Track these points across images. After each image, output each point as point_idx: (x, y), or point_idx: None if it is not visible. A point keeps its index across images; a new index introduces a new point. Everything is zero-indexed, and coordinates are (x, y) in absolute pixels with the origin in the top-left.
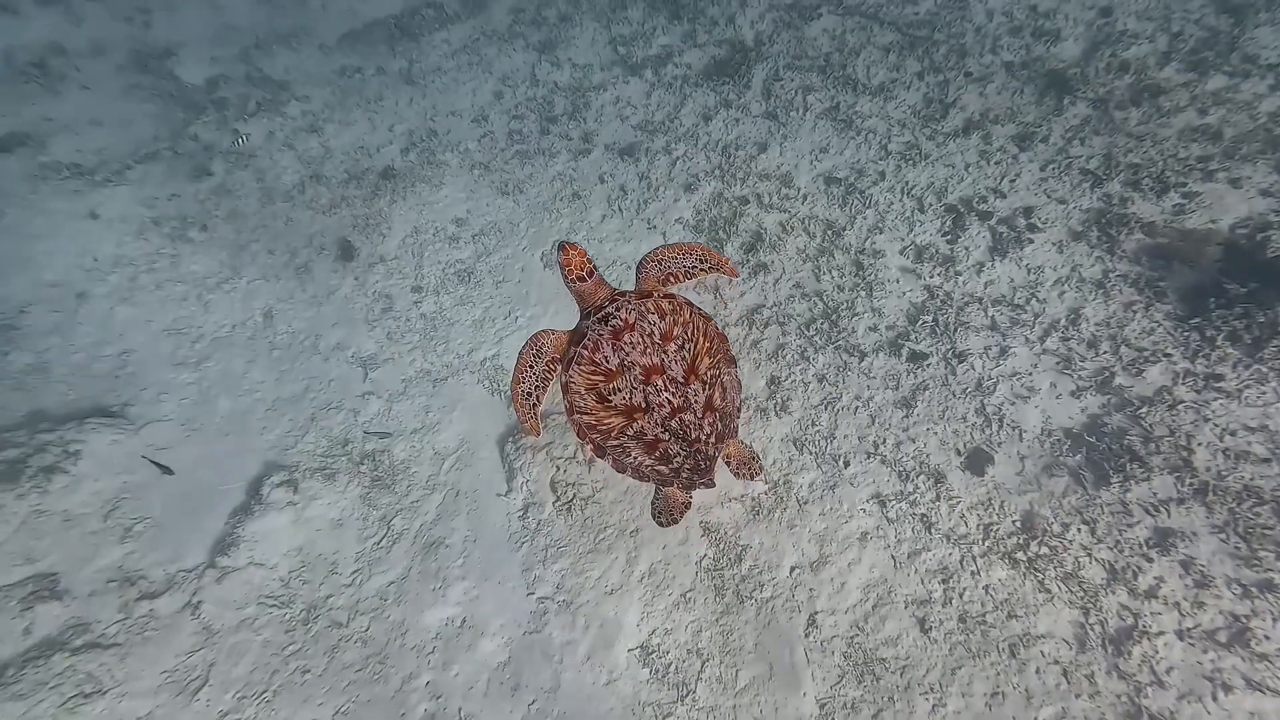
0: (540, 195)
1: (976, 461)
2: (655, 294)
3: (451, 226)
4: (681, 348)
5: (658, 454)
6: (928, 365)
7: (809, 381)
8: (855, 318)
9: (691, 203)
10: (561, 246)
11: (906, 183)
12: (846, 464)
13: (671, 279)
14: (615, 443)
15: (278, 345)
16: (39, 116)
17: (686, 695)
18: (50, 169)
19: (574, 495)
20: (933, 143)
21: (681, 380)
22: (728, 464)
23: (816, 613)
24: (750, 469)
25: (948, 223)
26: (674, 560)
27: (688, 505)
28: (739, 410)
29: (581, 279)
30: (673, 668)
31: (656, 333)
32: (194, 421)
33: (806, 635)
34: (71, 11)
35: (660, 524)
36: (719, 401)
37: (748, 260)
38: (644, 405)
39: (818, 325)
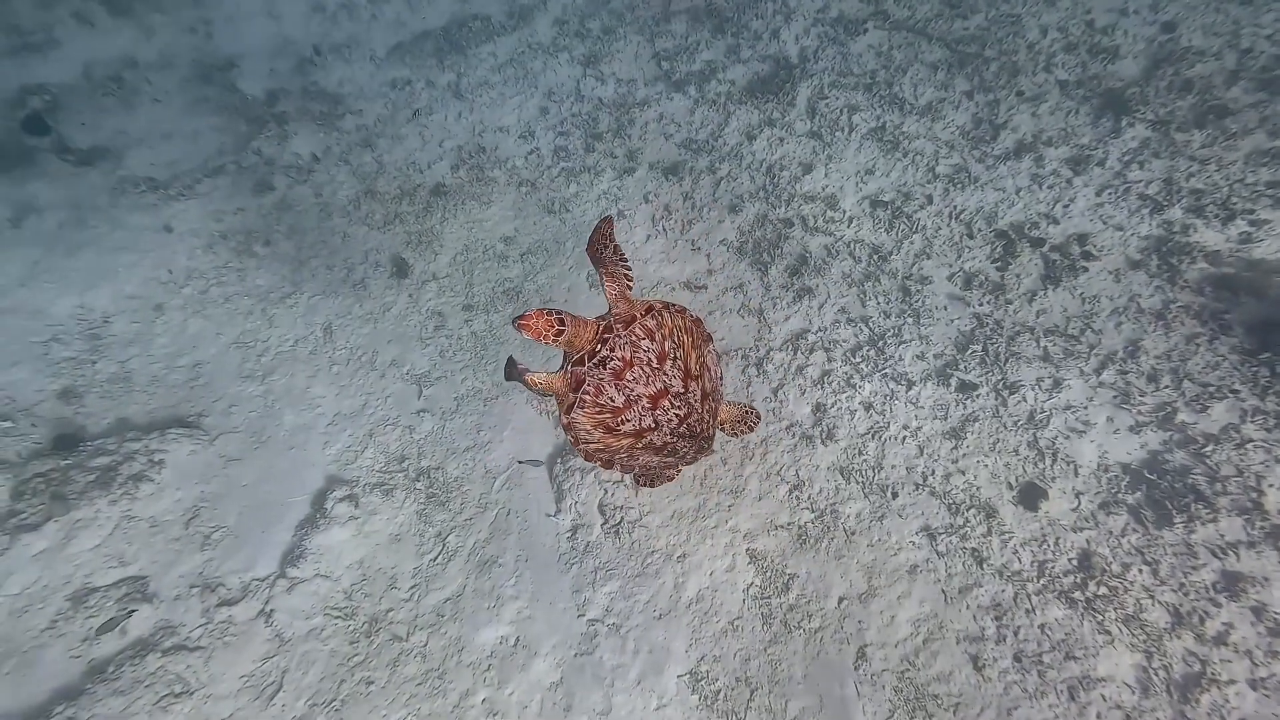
0: (585, 214)
1: (1029, 496)
2: (636, 313)
3: (500, 245)
4: (675, 360)
5: (666, 452)
6: (978, 396)
7: (855, 409)
8: (902, 345)
9: (735, 224)
10: (515, 325)
11: (955, 207)
12: (895, 495)
13: (625, 279)
14: (624, 456)
15: (336, 361)
16: (116, 130)
17: None
18: (128, 182)
19: (621, 519)
20: (982, 165)
21: (682, 390)
22: (723, 429)
23: (866, 645)
24: (746, 424)
25: (998, 249)
26: (721, 587)
27: (680, 470)
28: (721, 377)
29: (559, 334)
30: (721, 695)
31: (653, 358)
32: (262, 434)
33: (856, 668)
34: (142, 23)
35: (650, 486)
36: (709, 385)
37: (792, 284)
38: (653, 425)
39: (864, 352)
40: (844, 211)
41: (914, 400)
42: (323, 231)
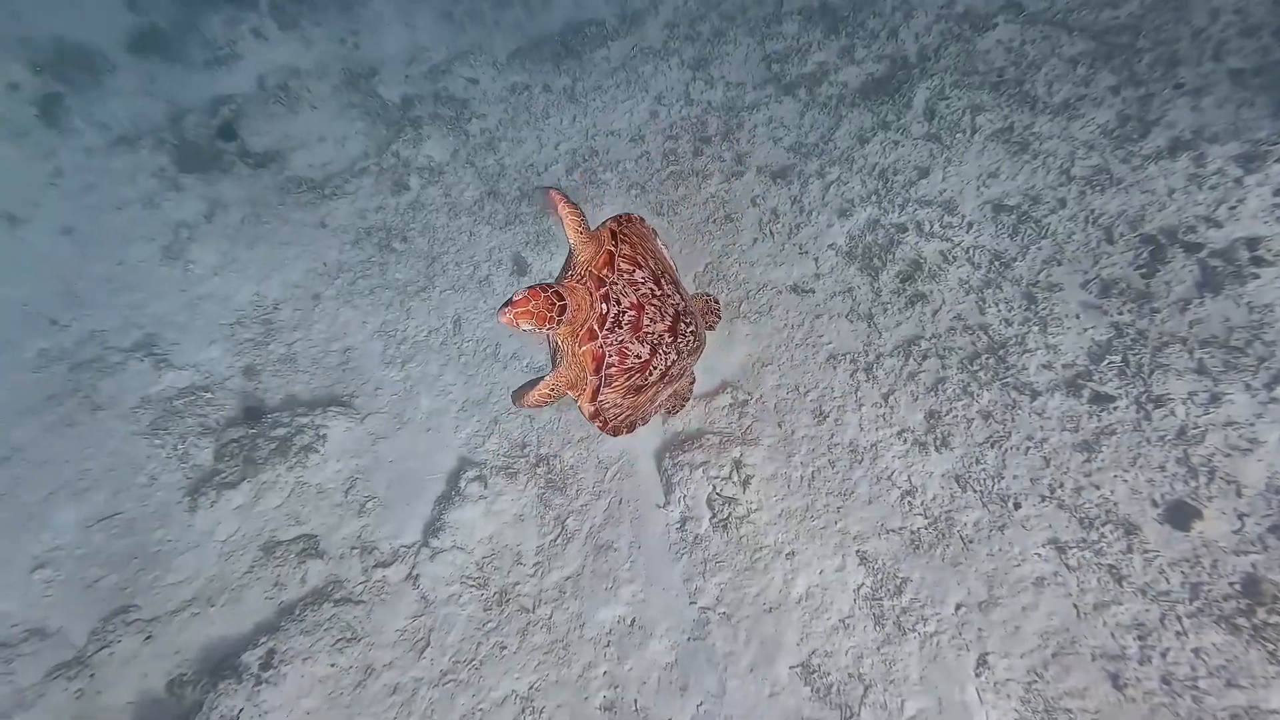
0: (693, 216)
1: (1179, 515)
2: (607, 246)
3: None
4: (665, 274)
5: (676, 376)
6: (1115, 408)
7: (972, 418)
8: (1026, 354)
9: (845, 229)
10: (506, 313)
11: (1092, 211)
12: (1017, 506)
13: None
14: (647, 406)
15: (464, 352)
16: (282, 134)
17: (850, 717)
18: (292, 182)
19: (729, 514)
20: (1127, 166)
21: (685, 304)
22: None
23: (988, 653)
24: (714, 314)
25: (1144, 254)
26: (831, 585)
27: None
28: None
29: (562, 311)
30: (835, 689)
31: (652, 286)
32: (403, 415)
33: (978, 675)
34: (304, 35)
35: (675, 412)
36: (678, 277)
37: (904, 289)
38: (675, 357)
39: (982, 360)
40: (962, 216)
41: (1039, 411)
42: (451, 230)
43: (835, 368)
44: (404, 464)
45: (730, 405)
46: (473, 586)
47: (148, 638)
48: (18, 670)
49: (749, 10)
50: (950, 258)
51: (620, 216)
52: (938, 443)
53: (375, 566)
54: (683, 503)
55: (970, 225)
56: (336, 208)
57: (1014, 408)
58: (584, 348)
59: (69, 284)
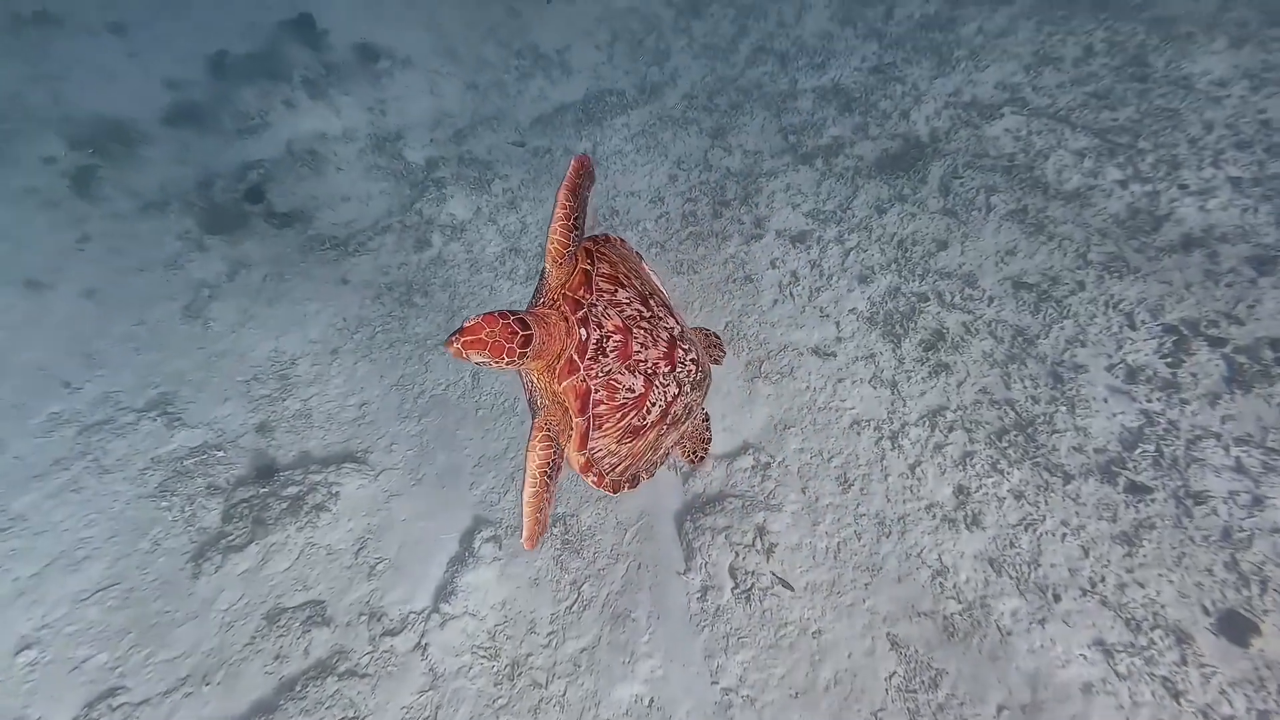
0: (713, 276)
1: (1234, 627)
2: (582, 265)
3: None
4: (652, 294)
5: (684, 417)
6: (1153, 500)
7: (1004, 497)
8: (1055, 434)
9: (866, 294)
10: (454, 343)
11: (1111, 296)
12: (1057, 598)
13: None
14: (649, 453)
15: (482, 405)
16: (308, 195)
17: None
18: (315, 240)
19: (753, 585)
20: (1142, 256)
21: (681, 328)
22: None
23: None
24: (718, 348)
25: (1167, 344)
26: (861, 672)
27: (707, 420)
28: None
29: (526, 342)
30: None
31: (640, 307)
32: (417, 472)
33: None
34: (332, 104)
35: (702, 457)
36: (671, 302)
37: (927, 358)
38: (676, 391)
39: (1011, 437)
40: (983, 290)
41: (1073, 495)
42: (472, 285)
43: (859, 434)
44: (417, 523)
45: (752, 467)
46: (484, 657)
47: None
48: None
49: (764, 87)
50: (973, 330)
51: (598, 236)
52: (968, 521)
53: (383, 635)
54: (704, 570)
55: (991, 299)
56: (359, 264)
57: (1046, 489)
58: (564, 384)
59: (87, 345)
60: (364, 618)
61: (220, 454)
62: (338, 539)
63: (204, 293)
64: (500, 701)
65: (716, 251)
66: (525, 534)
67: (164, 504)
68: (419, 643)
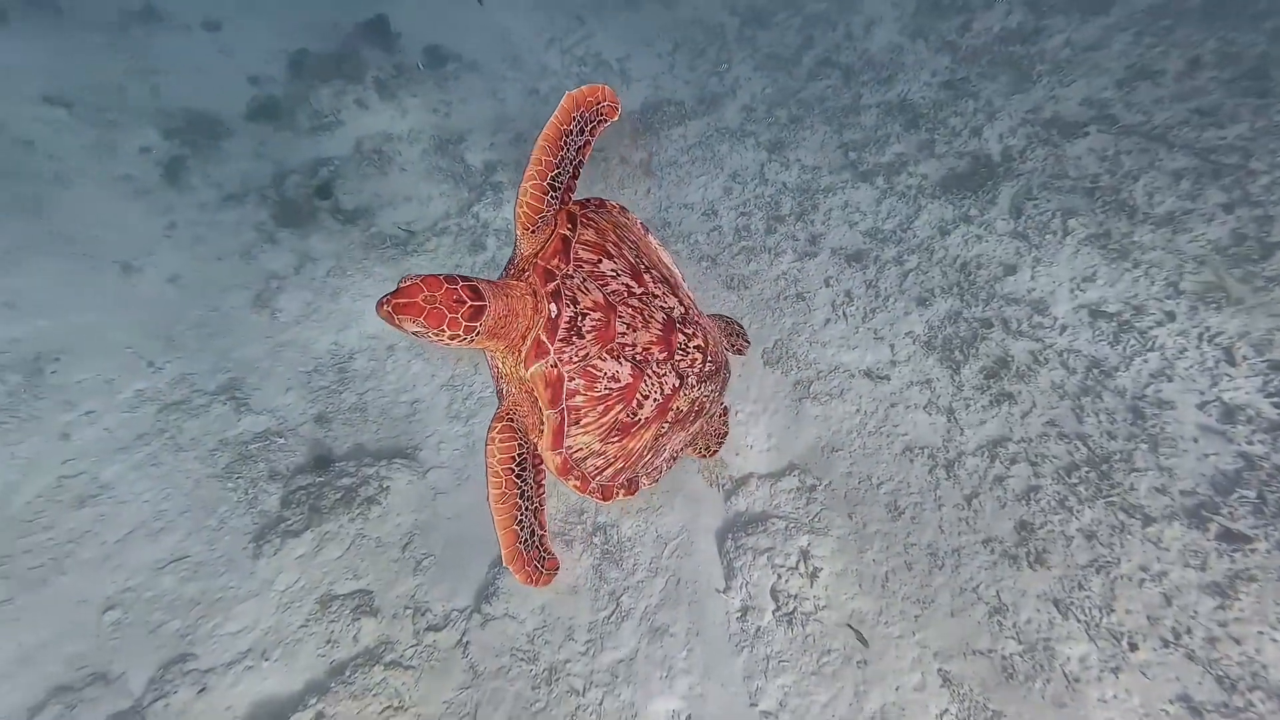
0: (764, 292)
1: None
2: (560, 230)
3: None
4: (651, 271)
5: (696, 414)
6: (1253, 551)
7: (1072, 536)
8: (1135, 473)
9: (924, 318)
10: (386, 307)
11: (1207, 328)
12: (1134, 646)
13: (566, 192)
14: (649, 456)
15: None
16: (372, 194)
17: None
18: (377, 238)
19: (795, 609)
20: (1247, 286)
21: (685, 310)
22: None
23: None
24: (742, 338)
25: (1273, 382)
26: (910, 706)
27: (725, 412)
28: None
29: (474, 314)
30: None
31: (628, 280)
32: (463, 472)
33: None
34: (400, 105)
35: (715, 452)
36: (687, 293)
37: (988, 386)
38: (678, 381)
39: (1082, 473)
40: (1055, 318)
41: (1154, 539)
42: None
43: (912, 461)
44: (461, 522)
45: (798, 489)
46: (522, 660)
47: (201, 690)
48: (80, 717)
49: (827, 101)
50: (1042, 359)
51: (589, 200)
52: (1031, 559)
53: (427, 630)
54: (745, 590)
55: (1064, 328)
56: (417, 264)
57: (1122, 531)
58: (532, 369)
59: (168, 328)
60: (409, 611)
61: (281, 441)
62: (387, 532)
63: (273, 284)
64: (538, 705)
65: (769, 267)
66: (504, 556)
67: (230, 485)
68: (461, 639)
